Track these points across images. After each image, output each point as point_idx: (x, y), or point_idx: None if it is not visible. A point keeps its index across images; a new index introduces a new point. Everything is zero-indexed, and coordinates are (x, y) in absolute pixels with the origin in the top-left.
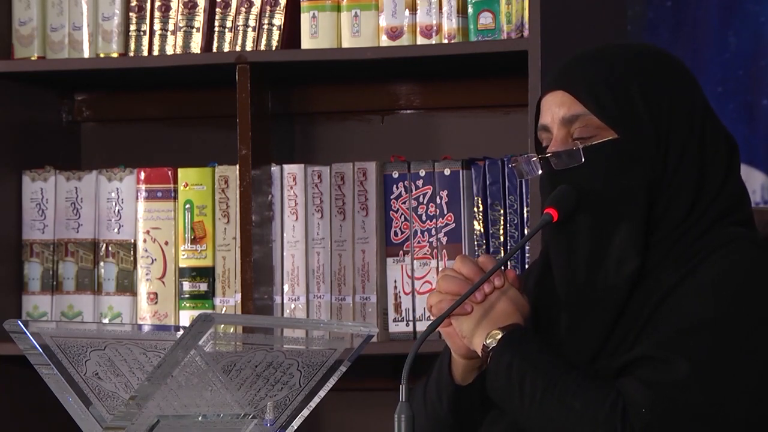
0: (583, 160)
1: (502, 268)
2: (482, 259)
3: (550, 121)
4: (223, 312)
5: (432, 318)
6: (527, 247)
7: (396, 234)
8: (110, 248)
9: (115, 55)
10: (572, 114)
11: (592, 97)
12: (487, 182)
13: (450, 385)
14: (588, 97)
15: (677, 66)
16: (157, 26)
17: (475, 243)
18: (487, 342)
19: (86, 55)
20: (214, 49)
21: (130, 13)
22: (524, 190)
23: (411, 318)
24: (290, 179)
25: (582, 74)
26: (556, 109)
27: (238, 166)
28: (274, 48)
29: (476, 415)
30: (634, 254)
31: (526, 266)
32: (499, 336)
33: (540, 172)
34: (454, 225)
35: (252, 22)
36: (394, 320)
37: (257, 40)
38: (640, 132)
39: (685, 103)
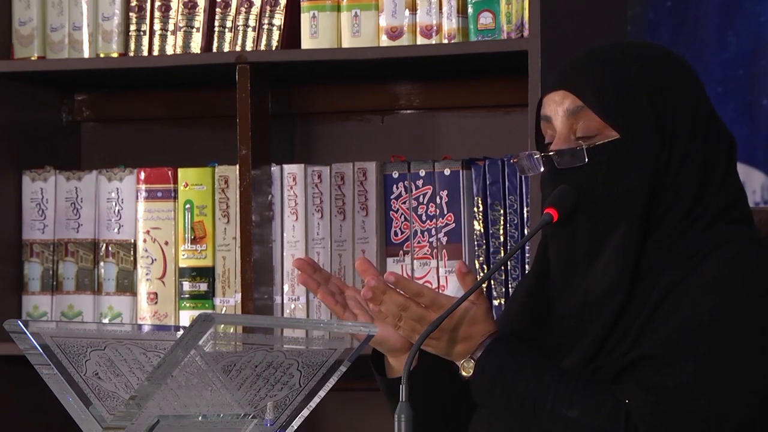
0: (586, 160)
1: (502, 268)
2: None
3: (553, 113)
4: (223, 312)
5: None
6: (527, 247)
7: (396, 234)
8: (110, 248)
9: (115, 55)
10: (576, 106)
11: (596, 97)
12: (487, 182)
13: (387, 384)
14: (592, 97)
15: (682, 67)
16: (157, 26)
17: (475, 243)
18: (467, 364)
19: (86, 55)
20: (214, 49)
21: (130, 13)
22: (524, 190)
23: None
24: (290, 179)
25: (586, 75)
26: (558, 100)
27: (238, 166)
28: (274, 48)
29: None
30: (627, 256)
31: (526, 266)
32: (479, 354)
33: (542, 169)
34: (454, 225)
35: (252, 22)
36: None
37: (257, 40)
38: (643, 133)
39: (689, 106)
